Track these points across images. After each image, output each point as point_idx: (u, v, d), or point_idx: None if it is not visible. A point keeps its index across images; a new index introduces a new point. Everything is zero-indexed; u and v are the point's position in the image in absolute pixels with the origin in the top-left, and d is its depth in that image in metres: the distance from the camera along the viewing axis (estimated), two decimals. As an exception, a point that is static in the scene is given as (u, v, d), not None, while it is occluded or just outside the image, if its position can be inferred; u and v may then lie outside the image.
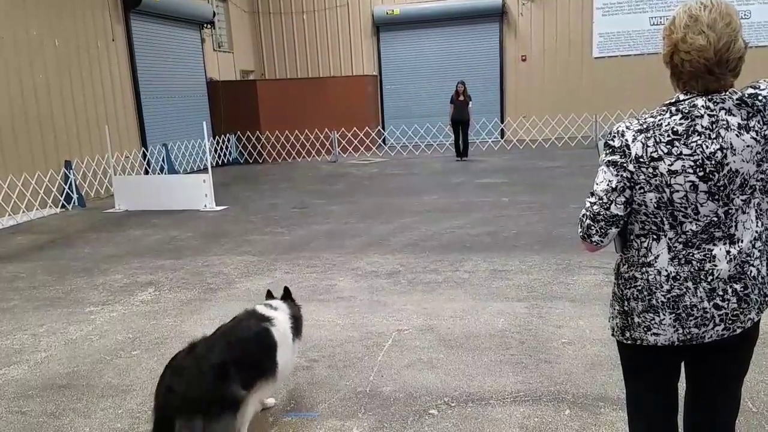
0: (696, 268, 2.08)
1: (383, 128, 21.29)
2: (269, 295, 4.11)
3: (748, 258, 2.08)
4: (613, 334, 2.32)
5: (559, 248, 7.11)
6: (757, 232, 2.09)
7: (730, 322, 2.11)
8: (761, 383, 3.87)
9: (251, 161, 18.53)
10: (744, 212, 2.05)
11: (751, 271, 2.09)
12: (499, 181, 12.83)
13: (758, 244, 2.09)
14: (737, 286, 2.08)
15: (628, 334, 2.24)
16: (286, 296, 4.06)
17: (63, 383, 4.45)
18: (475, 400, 3.88)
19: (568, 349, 4.54)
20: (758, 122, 1.98)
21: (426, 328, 5.09)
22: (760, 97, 2.00)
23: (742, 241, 2.07)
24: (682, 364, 2.33)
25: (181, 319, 5.64)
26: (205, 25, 18.33)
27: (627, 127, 2.08)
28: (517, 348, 4.62)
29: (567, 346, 4.61)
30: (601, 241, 2.17)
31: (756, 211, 2.08)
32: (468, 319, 5.24)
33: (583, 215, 2.18)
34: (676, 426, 2.39)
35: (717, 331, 2.12)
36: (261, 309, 3.75)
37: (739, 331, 2.13)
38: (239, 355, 3.26)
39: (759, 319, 2.19)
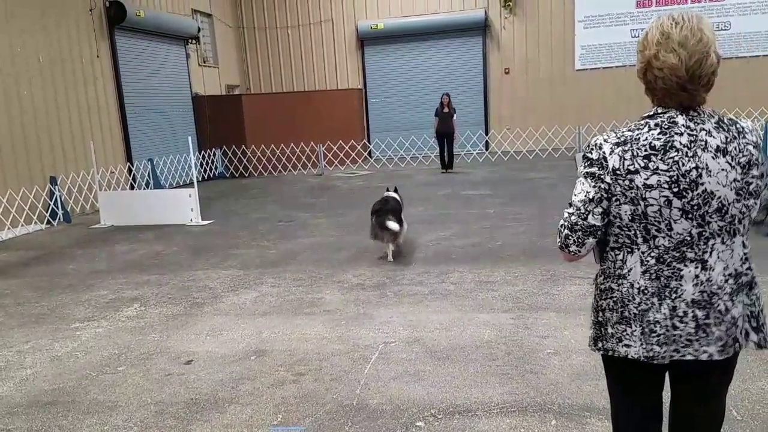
0: (663, 284, 2.10)
1: (369, 141, 21.35)
2: (387, 189, 8.63)
3: (719, 291, 2.08)
4: (589, 344, 2.35)
5: (544, 259, 7.17)
6: (736, 270, 2.09)
7: (682, 345, 2.12)
8: (745, 391, 3.91)
9: (237, 175, 18.51)
10: (724, 242, 2.07)
11: (719, 305, 2.09)
12: (485, 192, 12.90)
13: (731, 281, 2.09)
14: (699, 313, 2.09)
15: (600, 345, 2.27)
16: (396, 190, 8.60)
17: (48, 400, 4.42)
18: (461, 412, 3.90)
19: (554, 360, 4.58)
20: (735, 148, 2.01)
21: (412, 340, 5.11)
22: (738, 126, 2.05)
23: (713, 270, 2.07)
24: (667, 374, 2.34)
25: (167, 334, 5.62)
26: (190, 41, 18.34)
27: (605, 140, 2.12)
28: (503, 359, 4.64)
29: (553, 356, 4.64)
30: (579, 251, 2.21)
31: (745, 251, 2.10)
32: (454, 330, 5.27)
33: (562, 225, 2.22)
34: (661, 435, 2.41)
35: (668, 351, 2.13)
36: (391, 194, 8.40)
37: (689, 358, 2.13)
38: (399, 207, 8.04)
39: (728, 360, 2.18)
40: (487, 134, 20.91)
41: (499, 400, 4.01)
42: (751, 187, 2.03)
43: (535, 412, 3.85)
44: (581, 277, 6.30)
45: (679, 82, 2.01)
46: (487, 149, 20.49)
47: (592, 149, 2.14)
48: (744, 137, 2.03)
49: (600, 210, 2.13)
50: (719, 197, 2.01)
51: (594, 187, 2.12)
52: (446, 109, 16.33)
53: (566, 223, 2.20)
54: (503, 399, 4.03)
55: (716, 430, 2.35)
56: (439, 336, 5.16)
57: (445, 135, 16.48)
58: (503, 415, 3.82)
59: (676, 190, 2.01)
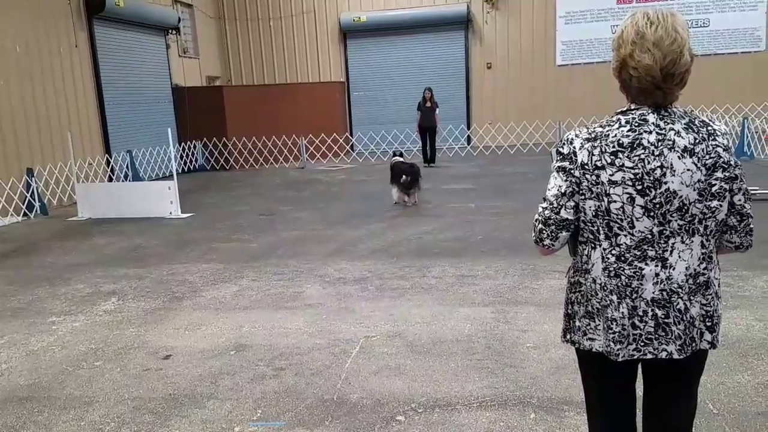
0: (623, 283, 2.12)
1: (351, 135, 21.29)
2: (394, 154, 11.83)
3: (679, 290, 2.10)
4: (561, 336, 2.38)
5: (524, 253, 7.20)
6: (695, 270, 2.10)
7: (642, 344, 2.14)
8: (721, 385, 3.94)
9: (218, 168, 18.37)
10: (683, 242, 2.08)
11: (678, 304, 2.11)
12: (466, 187, 12.93)
13: (691, 281, 2.10)
14: (659, 312, 2.11)
15: (569, 337, 2.33)
16: (401, 154, 11.76)
17: (24, 395, 4.36)
18: (441, 406, 3.91)
19: (533, 354, 4.60)
20: (702, 150, 2.02)
21: (393, 334, 5.11)
22: (710, 128, 2.06)
23: (674, 269, 2.09)
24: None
25: (145, 328, 5.57)
26: (170, 31, 18.14)
27: (576, 135, 2.14)
28: (484, 353, 4.66)
29: (532, 350, 4.67)
30: (553, 245, 2.23)
31: (703, 251, 2.10)
32: (435, 324, 5.27)
33: (536, 220, 2.24)
34: (634, 425, 2.43)
35: (628, 350, 2.15)
36: (398, 158, 11.47)
37: (649, 356, 2.15)
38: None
39: (695, 356, 2.19)
40: (469, 129, 20.95)
41: (479, 394, 4.03)
42: (714, 188, 2.04)
43: (515, 405, 3.87)
44: (561, 271, 6.32)
45: (653, 81, 2.02)
46: (469, 144, 20.51)
47: (564, 144, 2.16)
48: (714, 139, 2.04)
49: (572, 204, 2.15)
50: (681, 197, 2.03)
51: (566, 181, 2.14)
52: (428, 104, 16.35)
53: (540, 218, 2.22)
54: (483, 393, 4.04)
55: (688, 424, 2.37)
56: (420, 330, 5.16)
57: (427, 129, 16.50)
58: (483, 409, 3.84)
59: (639, 187, 2.03)
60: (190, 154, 18.28)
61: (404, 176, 10.68)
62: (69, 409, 4.13)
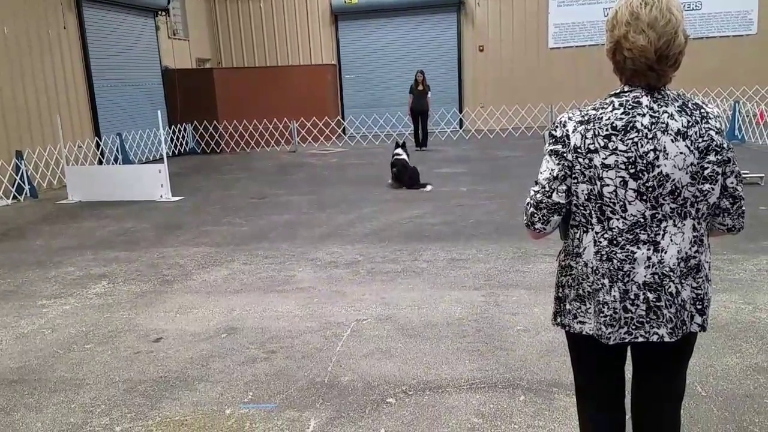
0: (615, 267, 2.11)
1: (343, 118, 21.20)
2: (396, 145, 11.86)
3: (671, 273, 2.10)
4: (551, 319, 2.39)
5: (515, 237, 7.22)
6: (687, 254, 2.10)
7: (633, 327, 2.15)
8: (710, 368, 3.97)
9: (208, 151, 18.27)
10: (675, 225, 2.08)
11: (669, 287, 2.10)
12: (458, 170, 12.92)
13: (682, 264, 2.10)
14: (650, 295, 2.11)
15: (559, 320, 2.33)
16: (404, 145, 11.84)
17: (14, 378, 4.35)
18: (432, 388, 3.92)
19: (523, 336, 4.62)
20: (696, 133, 2.01)
21: (385, 317, 5.12)
22: (702, 110, 2.05)
23: (666, 252, 2.09)
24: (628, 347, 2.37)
25: (135, 311, 5.55)
26: (159, 12, 17.93)
27: (569, 118, 2.12)
28: (474, 336, 4.68)
29: (522, 333, 4.69)
30: (544, 228, 2.22)
31: (695, 235, 2.11)
32: (426, 308, 5.29)
33: (528, 203, 2.22)
34: (623, 408, 2.45)
35: (620, 334, 2.16)
36: (402, 156, 11.47)
37: (640, 339, 2.16)
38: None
39: (685, 339, 2.20)
40: (461, 112, 20.90)
41: (469, 377, 4.05)
42: (706, 172, 2.03)
43: (505, 387, 3.89)
44: (552, 254, 6.34)
45: (647, 63, 2.01)
46: (461, 127, 20.49)
47: (557, 127, 2.15)
48: (707, 122, 2.03)
49: (564, 188, 2.13)
50: (673, 180, 2.02)
51: (558, 164, 2.12)
52: (420, 87, 16.27)
53: (532, 201, 2.20)
54: (473, 375, 4.06)
55: (677, 406, 2.39)
56: (411, 313, 5.18)
57: (419, 112, 16.43)
58: (473, 391, 3.86)
59: (632, 171, 2.02)
60: (180, 137, 18.17)
61: (394, 169, 11.44)
62: (59, 391, 4.12)
